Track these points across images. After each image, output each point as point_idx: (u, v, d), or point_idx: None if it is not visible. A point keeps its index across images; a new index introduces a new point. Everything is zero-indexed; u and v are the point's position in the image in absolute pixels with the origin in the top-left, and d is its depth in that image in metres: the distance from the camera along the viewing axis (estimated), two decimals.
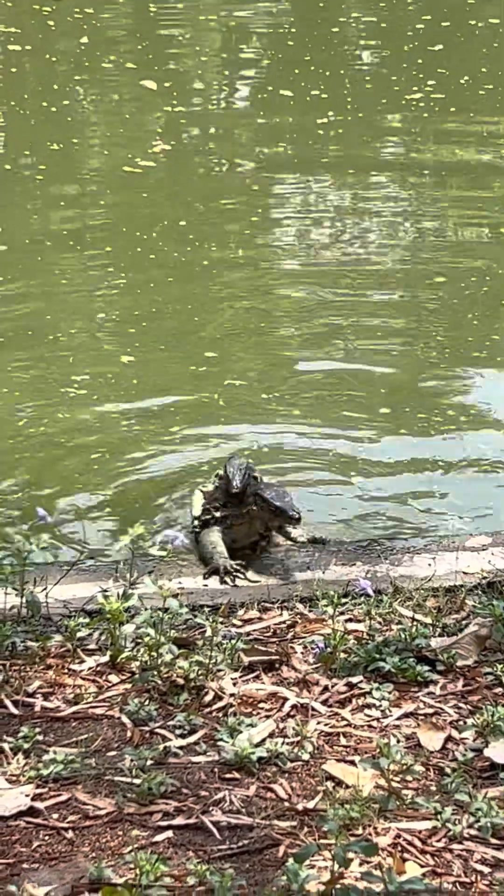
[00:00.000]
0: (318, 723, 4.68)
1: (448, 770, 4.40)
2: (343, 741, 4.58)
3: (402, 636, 5.15)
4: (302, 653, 5.17)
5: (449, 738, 4.62)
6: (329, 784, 4.29)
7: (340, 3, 18.93)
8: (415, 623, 5.31)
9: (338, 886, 3.56)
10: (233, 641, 5.09)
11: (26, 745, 4.43)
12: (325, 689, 4.90)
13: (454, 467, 7.67)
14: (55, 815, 4.11)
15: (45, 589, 5.37)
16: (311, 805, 4.17)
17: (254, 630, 5.38)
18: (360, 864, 3.81)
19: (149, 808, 4.13)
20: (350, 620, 5.41)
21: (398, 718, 4.74)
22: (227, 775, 4.33)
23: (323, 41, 16.80)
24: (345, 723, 4.70)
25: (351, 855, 3.61)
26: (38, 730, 4.54)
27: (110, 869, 3.74)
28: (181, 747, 4.47)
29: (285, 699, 4.82)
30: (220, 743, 4.47)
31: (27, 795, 4.17)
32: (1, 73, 15.26)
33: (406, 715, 4.77)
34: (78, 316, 9.64)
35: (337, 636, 5.09)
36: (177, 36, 17.03)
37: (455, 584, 5.79)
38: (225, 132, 14.08)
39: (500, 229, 11.47)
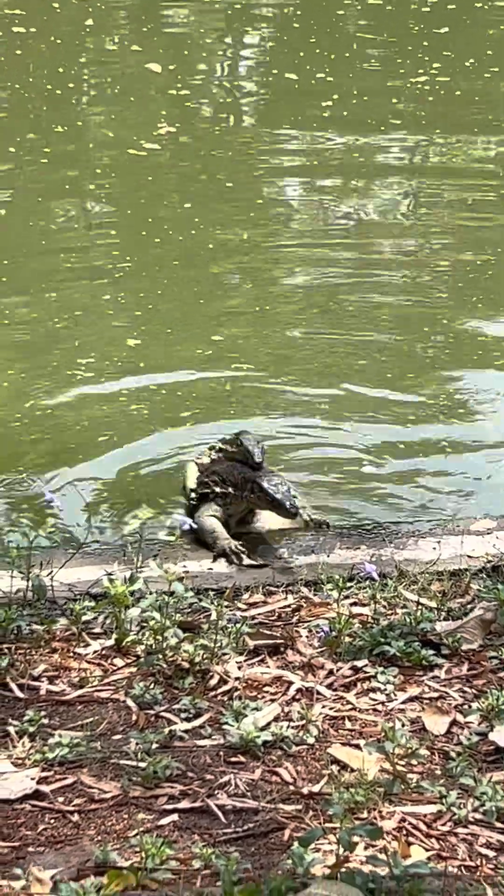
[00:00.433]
0: (323, 706, 4.69)
1: (453, 754, 4.40)
2: (348, 725, 4.59)
3: (407, 620, 5.15)
4: (307, 637, 5.17)
5: (454, 722, 4.62)
6: (334, 768, 4.30)
7: None
8: (420, 607, 5.31)
9: (343, 870, 3.56)
10: (238, 625, 5.10)
11: (32, 729, 4.44)
12: (330, 672, 4.91)
13: (461, 450, 7.66)
14: (61, 799, 4.11)
15: (50, 573, 5.37)
16: (316, 789, 4.18)
17: (259, 614, 5.38)
18: (366, 848, 3.82)
19: (154, 792, 4.14)
20: (355, 604, 5.41)
21: (403, 702, 4.75)
22: (233, 759, 4.34)
23: (328, 24, 16.73)
24: (350, 706, 4.70)
25: (356, 839, 3.61)
26: (43, 713, 4.54)
27: (116, 852, 3.75)
28: (186, 731, 4.47)
29: (290, 683, 4.83)
30: (225, 726, 4.47)
31: (33, 779, 4.18)
32: (5, 56, 15.21)
33: (411, 699, 4.77)
34: (83, 299, 9.62)
35: (342, 620, 5.09)
36: (181, 18, 16.98)
37: (460, 568, 5.80)
38: (229, 115, 14.04)
39: None
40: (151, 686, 4.71)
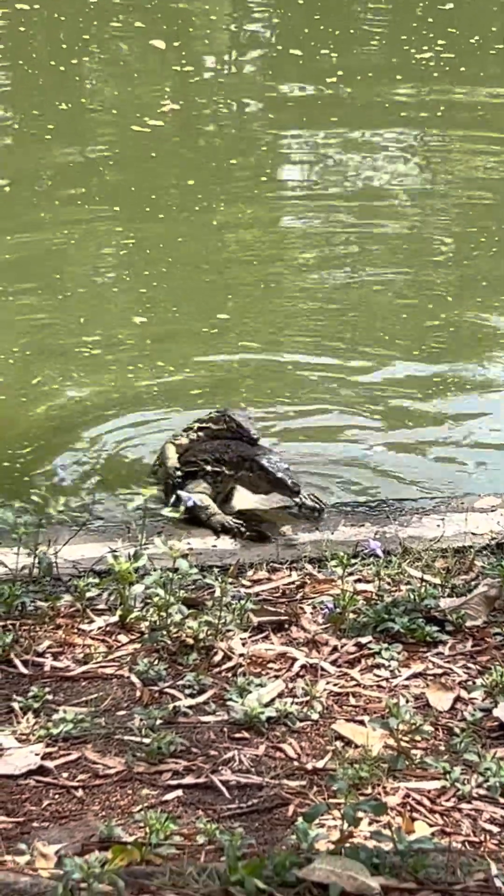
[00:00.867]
0: (328, 683, 4.69)
1: (457, 730, 4.40)
2: (352, 701, 4.59)
3: (412, 597, 5.15)
4: (311, 613, 5.17)
5: (458, 699, 4.62)
6: (338, 744, 4.30)
7: None
8: (424, 584, 5.31)
9: (347, 845, 3.57)
10: (242, 602, 5.10)
11: (36, 705, 4.44)
12: (335, 649, 4.91)
13: (465, 426, 7.66)
14: (65, 774, 4.12)
15: (56, 551, 5.36)
16: (320, 765, 4.18)
17: (263, 591, 5.38)
18: (370, 824, 3.82)
19: (158, 768, 4.14)
20: (359, 581, 5.41)
21: (407, 679, 4.75)
22: (237, 735, 4.34)
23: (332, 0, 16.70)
24: (354, 683, 4.70)
25: (360, 814, 3.61)
26: (47, 689, 4.54)
27: (120, 827, 3.75)
28: (190, 707, 4.47)
29: (294, 659, 4.83)
30: (229, 703, 4.47)
31: (37, 754, 4.18)
32: (9, 33, 15.18)
33: (415, 675, 4.77)
34: (87, 276, 9.62)
35: (346, 597, 5.09)
36: None
37: (464, 545, 5.80)
38: (233, 91, 14.01)
39: None
40: (155, 662, 4.71)
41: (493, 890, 3.50)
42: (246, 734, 4.35)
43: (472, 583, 5.38)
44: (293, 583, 5.46)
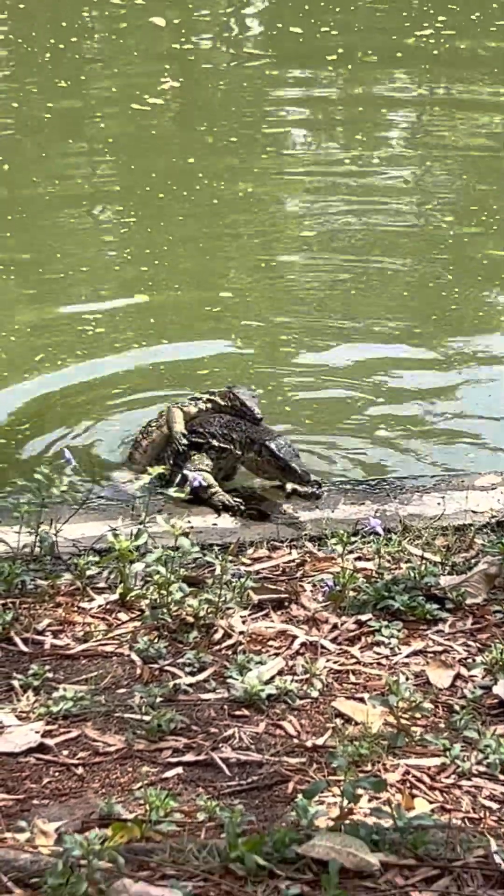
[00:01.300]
0: (328, 660, 4.69)
1: (457, 707, 4.41)
2: (352, 679, 4.59)
3: (412, 574, 5.15)
4: (311, 591, 5.17)
5: (458, 676, 4.63)
6: (338, 721, 4.31)
7: None
8: (424, 562, 5.31)
9: (347, 822, 3.58)
10: (242, 580, 5.10)
11: (36, 683, 4.45)
12: (335, 627, 4.91)
13: (467, 404, 7.66)
14: (65, 752, 4.12)
15: (57, 529, 5.35)
16: (320, 742, 4.18)
17: (263, 569, 5.38)
18: (370, 801, 3.83)
19: (158, 745, 4.15)
20: (359, 559, 5.41)
21: (407, 656, 4.75)
22: (237, 712, 4.35)
23: None
24: (354, 660, 4.71)
25: (360, 791, 3.62)
26: (47, 667, 4.55)
27: (120, 805, 3.76)
28: (191, 685, 4.48)
29: (294, 637, 4.83)
30: (229, 680, 4.48)
31: (37, 732, 4.18)
32: (9, 11, 15.14)
33: (415, 653, 4.78)
34: (89, 254, 9.60)
35: (346, 574, 5.09)
36: None
37: (464, 523, 5.80)
38: (234, 69, 13.98)
39: None
40: (156, 640, 4.71)
41: (493, 866, 3.51)
42: (246, 712, 4.35)
43: (473, 560, 5.38)
44: (293, 561, 5.46)
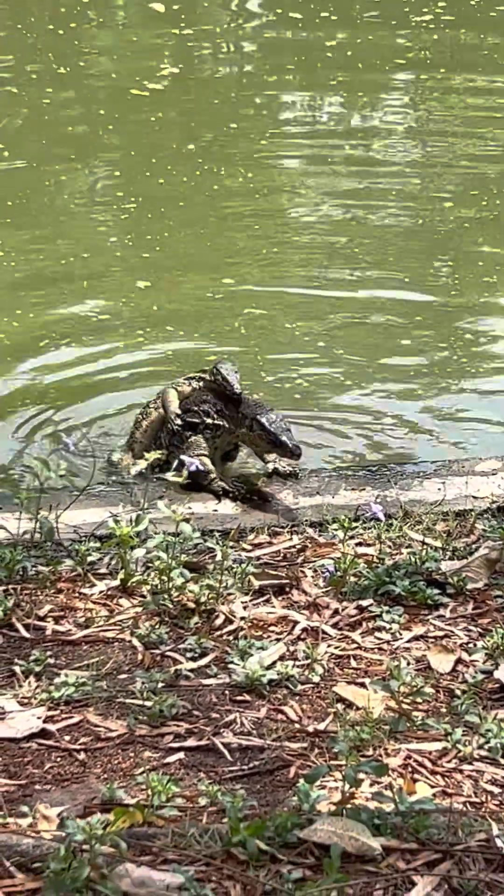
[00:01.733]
0: (329, 646, 4.69)
1: (458, 692, 4.41)
2: (353, 664, 4.60)
3: (413, 560, 5.16)
4: (312, 577, 5.17)
5: (459, 661, 4.63)
6: (339, 706, 4.31)
7: None
8: (425, 547, 5.31)
9: (348, 806, 3.58)
10: (243, 566, 5.10)
11: (38, 668, 4.45)
12: (336, 612, 4.91)
13: (467, 390, 7.65)
14: (67, 737, 4.13)
15: (58, 515, 5.35)
16: (321, 727, 4.19)
17: (264, 554, 5.38)
18: (371, 785, 3.83)
19: (160, 730, 4.15)
20: (360, 544, 5.41)
21: (408, 641, 4.75)
22: (238, 698, 4.35)
23: None
24: (355, 646, 4.71)
25: (361, 775, 3.62)
26: (49, 653, 4.55)
27: (122, 790, 3.76)
28: (192, 670, 4.48)
29: (296, 622, 4.83)
30: (230, 666, 4.48)
31: (39, 718, 4.19)
32: None
33: (416, 638, 4.78)
34: (88, 241, 9.60)
35: (347, 560, 5.09)
36: None
37: (465, 509, 5.79)
38: (233, 55, 13.95)
39: None
40: (157, 626, 4.72)
41: (494, 850, 3.52)
42: (247, 697, 4.36)
43: (473, 546, 5.38)
44: (294, 546, 5.46)
